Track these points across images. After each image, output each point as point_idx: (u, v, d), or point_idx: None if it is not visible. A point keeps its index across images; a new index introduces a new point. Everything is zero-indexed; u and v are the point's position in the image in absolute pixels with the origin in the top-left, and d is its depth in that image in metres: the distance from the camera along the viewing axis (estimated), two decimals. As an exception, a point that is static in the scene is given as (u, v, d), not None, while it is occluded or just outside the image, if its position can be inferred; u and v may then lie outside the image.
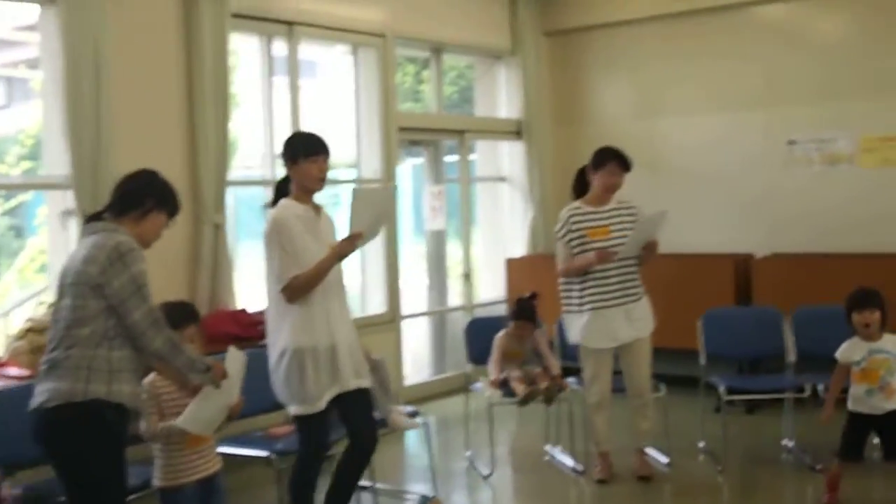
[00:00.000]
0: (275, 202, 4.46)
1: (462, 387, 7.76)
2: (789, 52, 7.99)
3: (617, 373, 5.62)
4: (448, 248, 8.67)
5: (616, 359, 5.58)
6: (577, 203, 5.59)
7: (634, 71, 8.79)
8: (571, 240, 5.48)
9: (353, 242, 4.30)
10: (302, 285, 4.24)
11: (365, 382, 4.49)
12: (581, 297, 5.48)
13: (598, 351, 5.49)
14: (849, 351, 4.96)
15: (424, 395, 7.79)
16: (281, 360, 4.30)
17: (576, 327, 5.53)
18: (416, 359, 8.40)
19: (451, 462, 6.20)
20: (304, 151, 4.35)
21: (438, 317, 8.64)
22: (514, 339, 5.99)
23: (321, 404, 4.30)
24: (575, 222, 5.49)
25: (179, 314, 4.08)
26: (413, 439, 6.70)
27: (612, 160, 5.47)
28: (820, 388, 5.62)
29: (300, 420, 4.38)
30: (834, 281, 6.92)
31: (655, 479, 5.62)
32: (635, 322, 5.48)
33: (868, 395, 4.87)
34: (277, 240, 4.25)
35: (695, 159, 8.37)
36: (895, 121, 7.54)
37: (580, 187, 5.65)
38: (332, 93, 9.01)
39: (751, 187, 8.11)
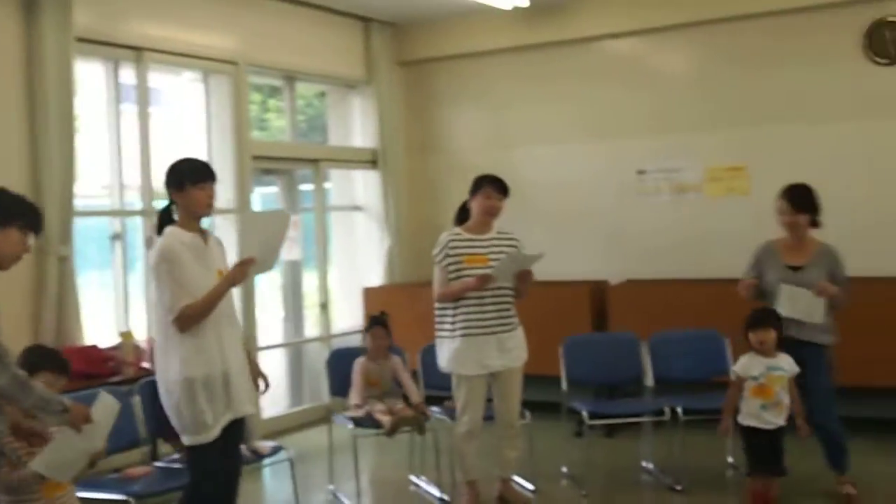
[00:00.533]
0: (159, 231, 4.29)
1: (321, 418, 7.62)
2: (637, 85, 8.23)
3: (489, 400, 5.58)
4: (304, 279, 8.51)
5: (487, 387, 5.55)
6: (457, 229, 5.57)
7: (487, 101, 8.89)
8: (449, 265, 5.45)
9: (244, 269, 4.22)
10: (194, 315, 4.13)
11: (253, 409, 4.42)
12: (454, 323, 5.44)
13: (469, 378, 5.43)
14: (747, 366, 5.10)
15: (282, 428, 7.59)
16: (173, 391, 4.18)
17: (447, 354, 5.49)
18: (272, 391, 8.11)
19: (313, 496, 6.04)
20: (192, 178, 4.24)
21: (295, 348, 8.46)
22: (374, 363, 5.97)
23: (215, 432, 4.20)
24: (453, 247, 5.46)
25: (36, 357, 3.84)
26: (274, 474, 6.49)
27: (489, 184, 5.48)
28: (678, 409, 5.76)
29: (194, 452, 4.24)
30: (685, 306, 7.16)
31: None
32: (508, 352, 5.44)
33: (763, 410, 5.03)
34: (167, 269, 4.13)
35: (547, 188, 8.50)
36: (738, 151, 7.85)
37: (462, 218, 5.63)
38: (180, 121, 8.76)
39: (603, 216, 8.30)
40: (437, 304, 5.54)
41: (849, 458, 5.44)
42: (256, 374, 4.62)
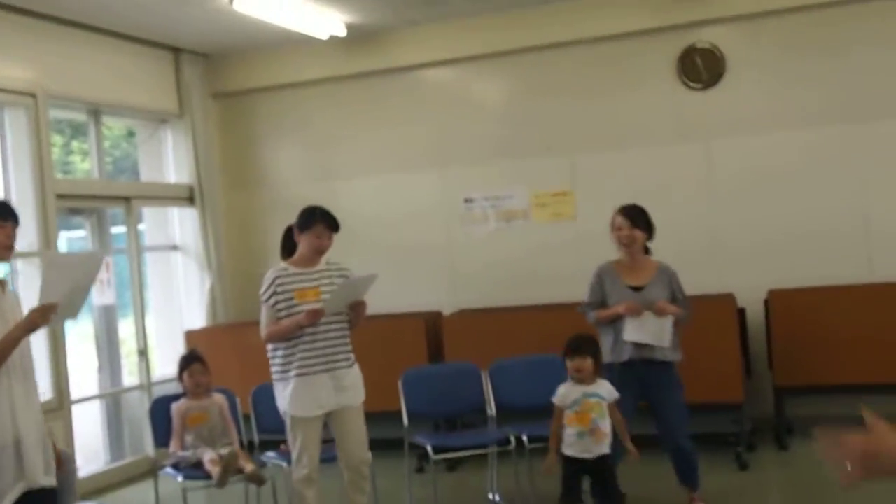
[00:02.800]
0: None
1: (145, 472, 7.11)
2: (460, 113, 8.19)
3: (326, 441, 5.26)
4: (120, 324, 7.95)
5: (326, 427, 5.23)
6: (283, 264, 5.24)
7: (307, 133, 8.64)
8: (277, 302, 5.10)
9: (45, 314, 3.80)
10: None
11: (53, 481, 3.92)
12: (286, 364, 5.11)
13: (305, 420, 5.10)
14: (564, 395, 4.98)
15: (101, 486, 7.02)
16: None
17: (283, 396, 5.15)
18: (89, 446, 7.57)
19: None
20: None
21: (112, 399, 7.87)
22: (195, 400, 5.63)
23: None
24: (281, 284, 5.12)
25: None
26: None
27: (319, 221, 5.17)
28: (524, 437, 5.63)
29: None
30: (520, 333, 7.09)
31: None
32: (344, 390, 5.13)
33: (579, 438, 4.90)
34: None
35: (374, 221, 8.30)
36: (563, 177, 7.90)
37: (288, 246, 5.31)
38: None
39: (433, 246, 8.18)
40: (268, 346, 5.21)
41: (699, 474, 5.43)
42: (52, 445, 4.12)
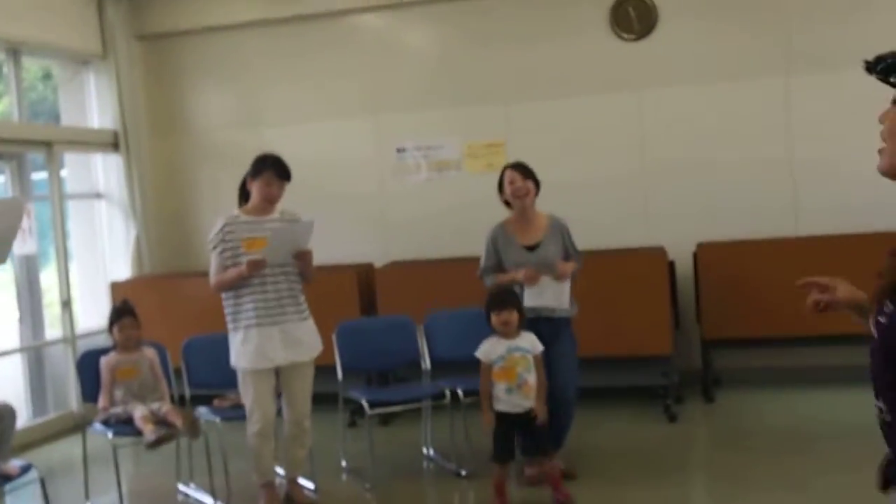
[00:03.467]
0: None
1: (70, 428, 6.97)
2: (392, 61, 8.05)
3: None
4: (42, 275, 7.71)
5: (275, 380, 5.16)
6: (236, 212, 5.14)
7: (235, 78, 8.42)
8: (224, 250, 5.01)
9: None
10: None
11: None
12: (236, 314, 5.03)
13: (255, 373, 5.01)
14: (488, 350, 4.96)
15: (25, 442, 6.83)
16: None
17: (233, 348, 5.07)
18: (10, 401, 7.34)
19: (68, 516, 5.45)
20: None
21: (35, 352, 7.66)
22: (124, 354, 5.49)
23: None
24: (229, 231, 5.02)
25: None
26: (20, 496, 5.80)
27: (269, 168, 5.08)
28: (459, 391, 5.63)
29: None
30: (451, 285, 7.04)
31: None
32: (295, 345, 5.06)
33: (508, 393, 4.90)
34: None
35: (305, 169, 8.01)
36: (497, 128, 7.84)
37: (244, 195, 5.20)
38: None
39: (364, 196, 8.08)
40: (222, 295, 5.11)
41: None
42: None
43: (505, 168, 5.48)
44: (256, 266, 4.91)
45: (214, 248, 5.05)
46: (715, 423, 6.61)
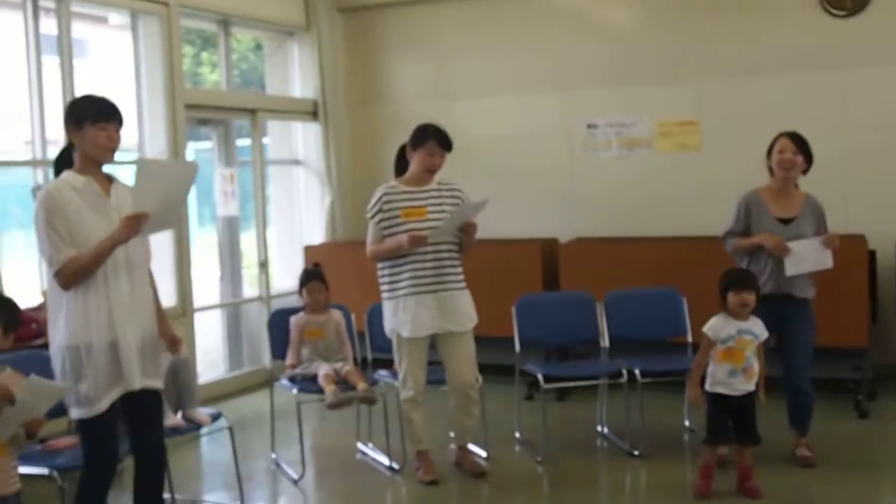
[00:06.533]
0: (57, 175, 3.85)
1: (262, 383, 7.32)
2: (586, 37, 7.97)
3: (433, 363, 5.29)
4: (242, 236, 8.12)
5: (433, 349, 5.26)
6: (393, 182, 5.24)
7: (431, 51, 8.55)
8: (382, 220, 5.12)
9: (134, 225, 3.69)
10: (77, 270, 3.67)
11: (155, 383, 3.95)
12: (393, 283, 5.14)
13: (410, 341, 5.11)
14: (718, 327, 4.80)
15: (220, 394, 7.26)
16: (56, 359, 3.77)
17: (388, 315, 5.19)
18: (209, 354, 7.82)
19: (255, 465, 5.73)
20: (93, 116, 3.75)
21: (233, 309, 8.09)
22: (313, 315, 5.68)
23: (101, 406, 3.75)
24: (388, 202, 5.13)
25: None
26: (212, 443, 6.16)
27: (432, 139, 5.14)
28: (636, 371, 5.57)
29: (82, 426, 3.83)
30: (637, 264, 6.98)
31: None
32: (451, 315, 5.12)
33: (731, 376, 4.76)
34: (45, 218, 3.67)
35: (493, 142, 8.22)
36: (689, 106, 7.65)
37: (401, 165, 5.30)
38: (106, 74, 8.29)
39: (552, 171, 8.06)
40: (378, 265, 5.23)
41: (811, 420, 5.30)
42: (169, 338, 4.13)
43: (780, 135, 5.31)
44: (419, 241, 4.97)
45: (372, 217, 5.15)
46: (910, 422, 6.26)
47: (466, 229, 5.11)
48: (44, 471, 4.16)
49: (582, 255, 7.33)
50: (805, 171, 5.29)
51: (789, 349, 5.19)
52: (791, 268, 5.09)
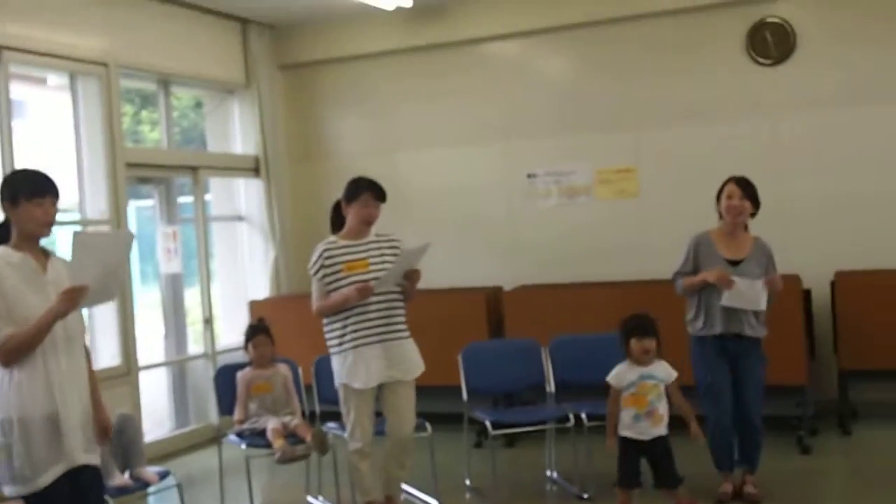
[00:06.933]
0: None
1: (209, 439, 7.25)
2: (524, 88, 8.14)
3: (379, 413, 5.29)
4: (186, 293, 8.08)
5: (377, 400, 5.26)
6: (332, 237, 5.28)
7: (372, 106, 8.66)
8: (326, 275, 5.15)
9: (74, 297, 3.59)
10: (18, 347, 3.56)
11: (96, 459, 3.82)
12: (342, 336, 5.14)
13: (357, 392, 5.11)
14: (620, 375, 4.92)
15: (167, 452, 7.17)
16: None
17: (337, 367, 5.20)
18: (155, 413, 7.74)
19: (204, 524, 5.68)
20: (28, 192, 3.67)
21: (178, 366, 8.02)
22: (259, 369, 5.70)
23: (40, 482, 3.61)
24: (329, 257, 5.16)
25: None
26: (161, 502, 6.08)
27: (366, 191, 5.19)
28: (583, 415, 5.63)
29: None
30: (579, 310, 7.07)
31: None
32: (399, 363, 5.13)
33: (636, 421, 4.84)
34: None
35: (436, 193, 8.33)
36: (627, 153, 7.83)
37: (338, 221, 5.34)
38: (45, 134, 8.26)
39: (495, 221, 8.18)
40: (323, 320, 5.25)
41: (760, 456, 5.42)
42: (101, 427, 3.93)
43: (729, 179, 5.44)
44: (365, 292, 5.01)
45: (315, 273, 5.17)
46: (851, 457, 6.39)
47: (410, 276, 5.16)
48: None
49: (526, 302, 7.43)
50: (753, 215, 5.44)
51: (742, 387, 5.32)
52: (727, 300, 5.22)
